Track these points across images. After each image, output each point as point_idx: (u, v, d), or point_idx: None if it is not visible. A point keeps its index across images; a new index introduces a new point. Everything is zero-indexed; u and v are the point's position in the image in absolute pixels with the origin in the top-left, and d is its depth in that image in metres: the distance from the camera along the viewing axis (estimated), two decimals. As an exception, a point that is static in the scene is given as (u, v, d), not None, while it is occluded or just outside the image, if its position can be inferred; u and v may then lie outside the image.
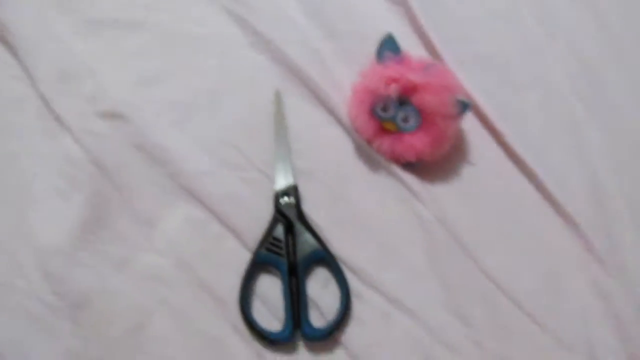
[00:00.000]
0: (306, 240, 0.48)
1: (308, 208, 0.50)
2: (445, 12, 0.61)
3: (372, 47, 0.53)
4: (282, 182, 0.51)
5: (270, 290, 0.47)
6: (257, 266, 0.48)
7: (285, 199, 0.50)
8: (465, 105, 0.50)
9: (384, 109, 0.50)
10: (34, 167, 0.51)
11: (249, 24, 0.58)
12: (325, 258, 0.48)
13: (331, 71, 0.57)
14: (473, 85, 0.55)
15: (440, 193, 0.51)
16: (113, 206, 0.50)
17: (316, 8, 0.60)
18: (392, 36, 0.52)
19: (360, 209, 0.51)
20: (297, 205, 0.50)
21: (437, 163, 0.52)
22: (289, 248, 0.48)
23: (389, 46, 0.51)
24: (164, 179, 0.51)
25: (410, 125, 0.50)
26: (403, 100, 0.49)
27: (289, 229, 0.49)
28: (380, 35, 0.53)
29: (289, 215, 0.49)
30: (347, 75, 0.55)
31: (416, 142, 0.50)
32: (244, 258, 0.48)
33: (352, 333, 0.46)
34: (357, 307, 0.47)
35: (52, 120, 0.53)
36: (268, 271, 0.48)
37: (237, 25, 0.59)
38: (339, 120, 0.54)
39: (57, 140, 0.52)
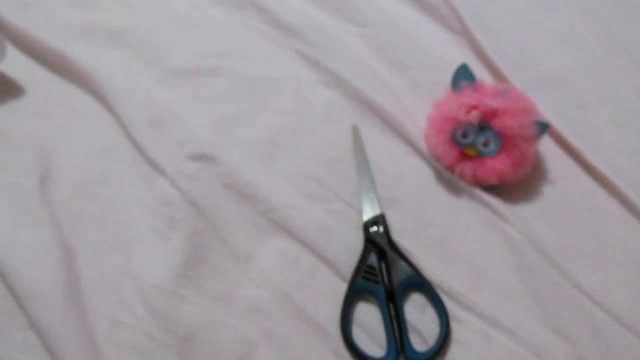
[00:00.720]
0: (400, 267, 0.49)
1: (396, 235, 0.52)
2: (506, 38, 0.63)
3: (439, 77, 0.56)
4: (369, 211, 0.52)
5: (368, 317, 0.49)
6: (355, 294, 0.49)
7: (375, 228, 0.51)
8: (544, 126, 0.51)
9: (464, 135, 0.52)
10: (132, 210, 0.54)
11: (320, 64, 0.61)
12: (420, 283, 0.49)
13: (403, 103, 0.59)
14: (543, 106, 0.56)
15: (525, 213, 0.53)
16: (210, 244, 0.52)
17: (382, 45, 0.63)
18: (466, 65, 0.54)
19: (448, 234, 0.52)
20: (387, 233, 0.51)
21: (519, 185, 0.53)
22: (383, 275, 0.49)
23: (463, 75, 0.53)
24: (255, 215, 0.53)
25: (491, 149, 0.51)
26: (483, 125, 0.51)
27: (382, 257, 0.50)
28: (445, 65, 0.56)
29: (380, 244, 0.50)
30: (418, 105, 0.57)
31: (498, 165, 0.51)
32: (339, 287, 0.50)
33: (454, 355, 0.47)
34: (456, 329, 0.48)
35: (146, 164, 0.56)
36: (365, 299, 0.49)
37: (308, 66, 0.62)
38: (416, 150, 0.56)
39: (152, 184, 0.54)
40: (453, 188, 0.54)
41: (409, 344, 0.46)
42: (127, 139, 0.57)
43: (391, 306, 0.48)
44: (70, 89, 0.60)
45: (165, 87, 0.61)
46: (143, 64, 0.62)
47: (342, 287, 0.49)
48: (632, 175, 0.54)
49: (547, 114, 0.56)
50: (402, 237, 0.52)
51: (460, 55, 0.61)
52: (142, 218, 0.53)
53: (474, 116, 0.50)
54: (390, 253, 0.50)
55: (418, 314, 0.48)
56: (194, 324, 0.48)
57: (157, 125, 0.57)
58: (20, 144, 0.57)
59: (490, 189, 0.53)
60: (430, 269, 0.50)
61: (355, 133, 0.57)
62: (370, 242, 0.51)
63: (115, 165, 0.56)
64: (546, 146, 0.56)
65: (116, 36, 0.63)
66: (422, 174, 0.55)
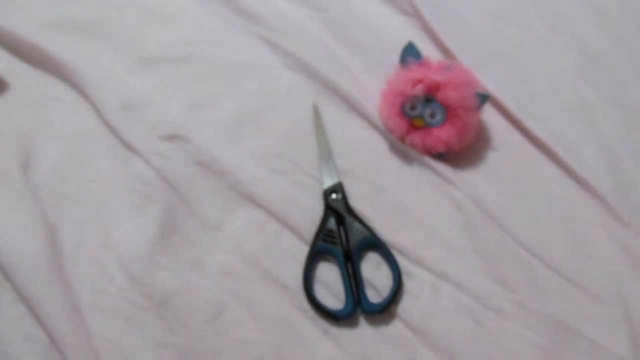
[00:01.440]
0: (357, 229, 0.54)
1: (354, 202, 0.56)
2: (455, 19, 0.68)
3: (393, 57, 0.60)
4: (328, 181, 0.57)
5: (329, 275, 0.53)
6: (316, 255, 0.54)
7: (333, 195, 0.56)
8: (484, 97, 0.56)
9: (412, 108, 0.57)
10: (110, 189, 0.58)
11: (282, 48, 0.65)
12: (375, 243, 0.54)
13: (360, 82, 0.64)
14: (488, 81, 0.61)
15: (470, 177, 0.58)
16: (183, 216, 0.56)
17: (340, 29, 0.67)
18: (412, 43, 0.58)
19: (400, 198, 0.57)
20: (345, 200, 0.56)
21: (464, 152, 0.58)
22: (342, 237, 0.54)
23: (410, 53, 0.58)
24: (224, 188, 0.57)
25: (437, 119, 0.56)
26: (428, 98, 0.56)
27: (340, 221, 0.55)
28: (399, 46, 0.60)
29: (338, 209, 0.55)
30: (374, 84, 0.62)
31: (444, 135, 0.56)
32: (302, 250, 0.54)
33: (406, 305, 0.52)
34: (408, 283, 0.53)
35: (121, 146, 0.60)
36: (325, 259, 0.54)
37: (271, 50, 0.66)
38: (372, 124, 0.61)
39: (128, 164, 0.59)
40: (405, 157, 0.59)
41: (365, 297, 0.51)
42: (103, 123, 0.61)
43: (349, 265, 0.53)
44: (48, 80, 0.64)
45: (137, 74, 0.65)
46: (116, 54, 0.66)
47: (304, 250, 0.54)
48: (569, 141, 0.59)
49: (493, 89, 0.61)
50: (359, 202, 0.56)
51: (413, 36, 0.65)
52: (119, 195, 0.57)
53: (419, 89, 0.55)
54: (348, 217, 0.55)
55: (373, 270, 0.53)
56: (169, 288, 0.53)
57: (130, 110, 0.61)
58: (2, 133, 0.61)
59: (439, 156, 0.58)
60: (384, 230, 0.55)
61: (316, 111, 0.62)
62: (330, 208, 0.55)
63: (93, 148, 0.60)
64: (491, 117, 0.61)
65: (89, 28, 0.67)
66: (376, 146, 0.60)
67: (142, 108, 0.61)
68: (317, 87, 0.63)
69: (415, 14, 0.68)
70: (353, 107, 0.62)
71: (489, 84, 0.61)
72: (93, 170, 0.59)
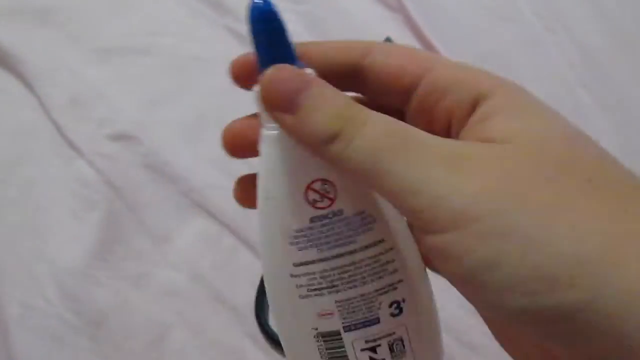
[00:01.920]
0: (319, 247, 0.48)
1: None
2: (443, 14, 0.62)
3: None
4: (292, 191, 0.51)
5: (285, 298, 0.48)
6: (271, 275, 0.48)
7: (296, 208, 0.50)
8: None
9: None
10: (50, 191, 0.52)
11: (252, 41, 0.59)
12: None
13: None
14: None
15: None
16: (127, 225, 0.51)
17: (317, 22, 0.61)
18: (390, 39, 0.52)
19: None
20: (309, 213, 0.50)
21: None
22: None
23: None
24: (176, 195, 0.52)
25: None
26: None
27: (301, 237, 0.49)
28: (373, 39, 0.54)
29: (300, 224, 0.49)
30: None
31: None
32: (258, 269, 0.48)
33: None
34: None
35: (65, 145, 0.54)
36: (282, 280, 0.48)
37: (240, 44, 0.60)
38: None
39: (71, 165, 0.53)
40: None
41: (323, 326, 0.45)
42: (47, 119, 0.56)
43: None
44: (-8, 69, 0.59)
45: (92, 66, 0.59)
46: (70, 43, 0.60)
47: (261, 270, 0.48)
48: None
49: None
50: (324, 217, 0.50)
51: (396, 32, 0.59)
52: (60, 200, 0.52)
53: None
54: (311, 233, 0.49)
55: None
56: (106, 306, 0.47)
57: (77, 105, 0.55)
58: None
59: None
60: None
61: (284, 112, 0.56)
62: (291, 222, 0.49)
63: (35, 146, 0.55)
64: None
65: (44, 14, 0.62)
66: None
67: (91, 103, 0.56)
68: (287, 86, 0.57)
69: (400, 9, 0.61)
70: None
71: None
72: (33, 170, 0.54)
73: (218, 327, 0.47)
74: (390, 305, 0.25)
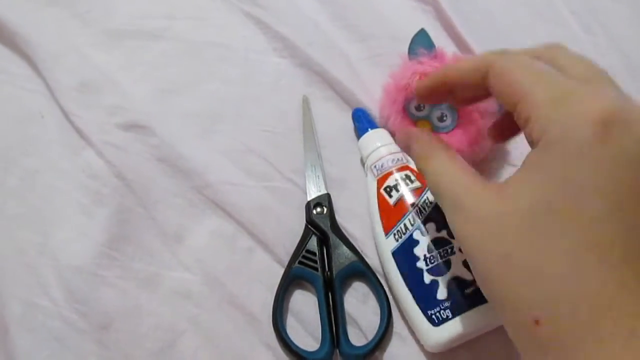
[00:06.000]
0: (342, 253, 0.45)
1: (341, 218, 0.47)
2: (476, 7, 0.58)
3: (400, 47, 0.51)
4: (313, 191, 0.48)
5: (304, 306, 0.45)
6: (291, 281, 0.45)
7: (318, 209, 0.47)
8: (505, 103, 0.47)
9: (418, 108, 0.47)
10: (56, 182, 0.49)
11: (271, 29, 0.56)
12: (363, 271, 0.44)
13: (359, 74, 0.54)
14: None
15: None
16: (138, 221, 0.47)
17: (341, 10, 0.57)
18: (425, 31, 0.49)
19: (397, 218, 0.48)
20: (331, 216, 0.47)
21: (476, 164, 0.49)
22: (324, 262, 0.45)
23: (422, 41, 0.49)
24: (189, 191, 0.49)
25: (447, 124, 0.47)
26: (438, 98, 0.47)
27: (323, 241, 0.46)
28: (409, 35, 0.50)
29: (322, 227, 0.46)
30: (375, 77, 0.52)
31: (454, 142, 0.47)
32: (275, 272, 0.45)
33: (393, 351, 0.43)
34: (399, 323, 0.44)
35: (73, 133, 0.51)
36: (302, 286, 0.45)
37: (258, 30, 0.56)
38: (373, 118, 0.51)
39: (79, 154, 0.50)
40: (406, 168, 0.50)
41: (346, 338, 0.42)
42: (54, 104, 0.52)
43: (329, 296, 0.44)
44: (-3, 49, 0.55)
45: (102, 49, 0.55)
46: (80, 24, 0.56)
47: (278, 273, 0.45)
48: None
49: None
50: (348, 220, 0.47)
51: (425, 25, 0.56)
52: (65, 192, 0.49)
53: (428, 86, 0.46)
54: (333, 237, 0.46)
55: (358, 304, 0.44)
56: (114, 309, 0.44)
57: (87, 90, 0.52)
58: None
59: (446, 170, 0.49)
60: (376, 257, 0.46)
61: (306, 105, 0.52)
62: (312, 224, 0.46)
63: (41, 133, 0.52)
64: (510, 126, 0.51)
65: (54, -7, 0.58)
66: (374, 152, 0.51)
67: (101, 90, 0.52)
68: (308, 78, 0.54)
69: (432, 1, 0.58)
70: (350, 103, 0.53)
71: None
72: (38, 159, 0.50)
73: (232, 333, 0.44)
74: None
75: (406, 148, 0.37)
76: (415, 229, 0.42)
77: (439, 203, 0.33)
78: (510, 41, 0.56)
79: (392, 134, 0.49)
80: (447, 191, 0.32)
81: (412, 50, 0.48)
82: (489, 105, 0.46)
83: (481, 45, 0.55)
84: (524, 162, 0.29)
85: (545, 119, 0.28)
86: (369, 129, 0.49)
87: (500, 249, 0.28)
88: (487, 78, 0.32)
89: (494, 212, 0.29)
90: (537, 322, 0.26)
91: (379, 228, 0.44)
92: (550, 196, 0.27)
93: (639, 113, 0.27)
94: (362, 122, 0.50)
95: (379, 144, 0.47)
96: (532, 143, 0.30)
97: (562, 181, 0.27)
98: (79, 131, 0.50)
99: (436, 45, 0.49)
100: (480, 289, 0.31)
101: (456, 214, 0.31)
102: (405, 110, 0.48)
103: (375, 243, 0.45)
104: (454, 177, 0.32)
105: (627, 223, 0.26)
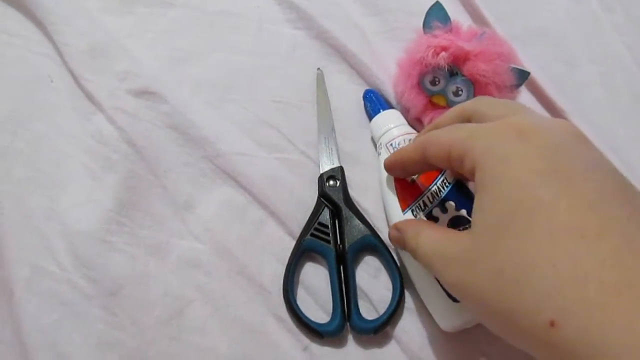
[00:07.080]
0: (355, 226, 0.44)
1: (354, 192, 0.47)
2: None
3: (415, 22, 0.50)
4: (327, 164, 0.47)
5: (315, 279, 0.44)
6: (302, 253, 0.44)
7: (331, 182, 0.46)
8: (522, 75, 0.46)
9: (433, 82, 0.47)
10: (65, 147, 0.48)
11: (287, 0, 0.55)
12: (375, 245, 0.44)
13: (374, 48, 0.53)
14: (527, 59, 0.51)
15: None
16: (147, 189, 0.47)
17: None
18: (440, 4, 0.48)
19: (410, 193, 0.48)
20: (344, 189, 0.46)
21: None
22: (336, 235, 0.45)
23: (437, 15, 0.47)
24: (200, 160, 0.48)
25: (462, 98, 0.46)
26: (454, 71, 0.46)
27: (336, 214, 0.45)
28: (425, 8, 0.49)
29: (335, 200, 0.45)
30: (391, 51, 0.52)
31: (470, 119, 0.46)
32: (286, 245, 0.45)
33: (405, 325, 0.42)
34: (410, 298, 0.43)
35: (83, 98, 0.50)
36: (313, 259, 0.45)
37: (273, 1, 0.56)
38: (384, 98, 0.51)
39: (88, 119, 0.49)
40: (420, 143, 0.49)
41: (357, 312, 0.42)
42: (64, 68, 0.51)
43: (341, 269, 0.44)
44: (4, 10, 0.54)
45: (113, 14, 0.54)
46: (90, -12, 0.55)
47: (289, 245, 0.45)
48: (616, 140, 0.49)
49: (531, 67, 0.50)
50: (361, 194, 0.47)
51: (445, 2, 0.55)
52: (74, 156, 0.48)
53: (443, 58, 0.44)
54: (345, 210, 0.45)
55: (370, 278, 0.44)
56: (122, 275, 0.44)
57: (97, 55, 0.51)
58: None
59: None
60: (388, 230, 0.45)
61: (320, 78, 0.52)
62: (325, 197, 0.46)
63: (49, 96, 0.51)
64: (526, 101, 0.51)
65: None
66: (388, 126, 0.50)
67: (112, 54, 0.51)
68: (323, 50, 0.53)
69: (447, -26, 0.57)
70: (364, 77, 0.52)
71: (527, 62, 0.51)
72: (47, 123, 0.50)
73: (241, 303, 0.43)
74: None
75: (399, 241, 0.39)
76: (435, 206, 0.42)
77: (430, 270, 0.34)
78: (528, 17, 0.56)
79: (407, 110, 0.49)
80: (435, 256, 0.34)
81: (427, 24, 0.47)
82: (506, 79, 0.45)
83: (499, 19, 0.54)
84: (475, 195, 0.31)
85: (471, 149, 0.32)
86: (381, 110, 0.48)
87: (493, 265, 0.29)
88: (425, 155, 0.36)
89: (470, 245, 0.31)
90: (552, 323, 0.26)
91: (395, 204, 0.43)
92: (505, 205, 0.29)
93: (547, 126, 0.31)
94: (374, 102, 0.49)
95: (392, 125, 0.46)
96: (472, 176, 0.32)
97: (508, 187, 0.29)
98: (89, 96, 0.50)
99: (451, 19, 0.48)
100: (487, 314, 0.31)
101: (448, 266, 0.32)
102: (420, 85, 0.47)
103: (387, 219, 0.45)
104: (438, 241, 0.34)
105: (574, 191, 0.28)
